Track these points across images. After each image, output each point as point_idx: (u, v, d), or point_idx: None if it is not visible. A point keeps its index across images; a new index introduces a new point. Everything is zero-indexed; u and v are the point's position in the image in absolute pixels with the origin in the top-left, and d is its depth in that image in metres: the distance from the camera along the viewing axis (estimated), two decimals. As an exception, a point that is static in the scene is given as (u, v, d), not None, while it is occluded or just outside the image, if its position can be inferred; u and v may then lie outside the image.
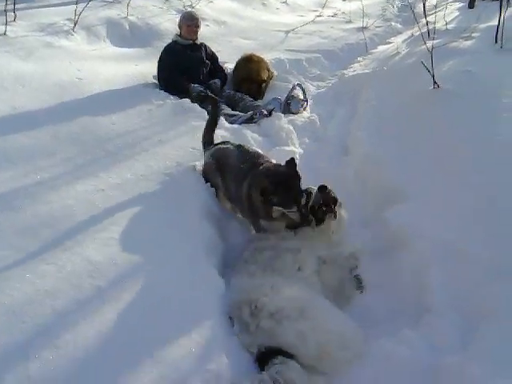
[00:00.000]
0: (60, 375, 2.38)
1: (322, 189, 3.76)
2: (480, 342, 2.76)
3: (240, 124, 5.73)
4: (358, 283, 3.57)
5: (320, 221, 3.77)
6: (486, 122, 4.44)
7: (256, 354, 2.87)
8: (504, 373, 2.53)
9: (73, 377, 2.40)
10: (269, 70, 7.25)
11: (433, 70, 5.12)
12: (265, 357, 2.82)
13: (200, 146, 4.58)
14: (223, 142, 4.40)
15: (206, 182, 4.24)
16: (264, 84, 7.06)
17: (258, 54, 7.33)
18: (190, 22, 6.78)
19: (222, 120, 5.55)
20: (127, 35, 8.09)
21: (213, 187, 4.20)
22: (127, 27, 8.21)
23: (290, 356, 2.79)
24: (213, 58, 7.04)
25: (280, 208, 3.66)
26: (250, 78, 6.92)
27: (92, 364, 2.47)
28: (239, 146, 4.20)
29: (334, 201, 3.79)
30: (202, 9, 9.57)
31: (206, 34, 8.06)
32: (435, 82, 5.16)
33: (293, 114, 6.31)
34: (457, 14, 9.76)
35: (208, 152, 4.33)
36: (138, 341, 2.64)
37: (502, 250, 3.24)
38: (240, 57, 7.27)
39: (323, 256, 3.61)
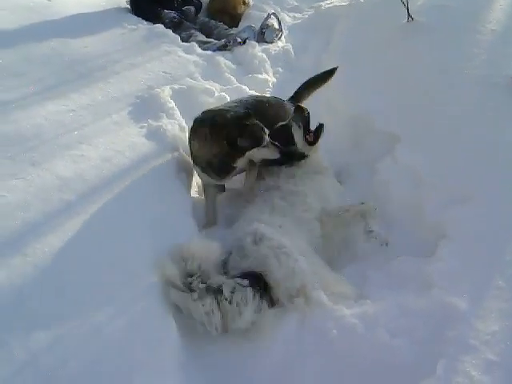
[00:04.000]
0: (26, 281, 2.46)
1: (298, 109, 3.77)
2: (437, 262, 2.94)
3: (213, 51, 5.70)
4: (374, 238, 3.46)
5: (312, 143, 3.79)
6: (456, 56, 4.50)
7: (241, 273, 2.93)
8: (459, 287, 2.71)
9: (38, 283, 2.47)
10: (245, 4, 7.17)
11: (408, 3, 5.10)
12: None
13: (171, 70, 4.60)
14: None
15: None
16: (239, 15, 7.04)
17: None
18: None
19: (195, 46, 5.53)
20: (100, -44, 7.81)
21: None
22: None
23: (266, 286, 2.88)
24: (188, -16, 6.88)
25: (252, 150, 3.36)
26: (226, 11, 6.88)
27: (58, 272, 2.55)
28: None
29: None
30: None
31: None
32: (409, 15, 5.16)
33: (267, 43, 6.28)
34: None
35: None
36: (104, 252, 2.74)
37: (457, 178, 3.40)
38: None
39: (328, 209, 3.57)
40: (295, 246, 3.09)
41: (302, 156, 3.78)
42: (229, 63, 5.46)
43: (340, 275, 3.20)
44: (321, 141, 3.84)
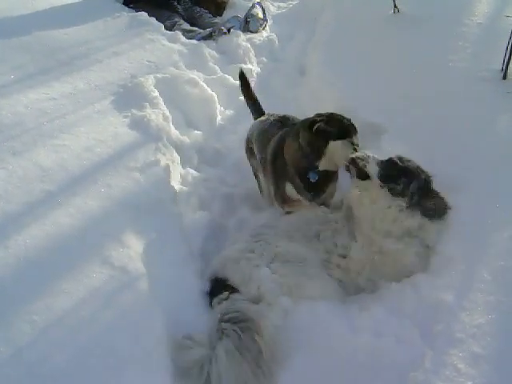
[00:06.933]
0: (9, 273, 2.42)
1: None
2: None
3: (198, 40, 5.65)
4: None
5: None
6: (441, 49, 4.48)
7: (207, 280, 2.96)
8: (445, 280, 2.70)
9: (22, 275, 2.44)
10: (229, -8, 7.13)
11: (394, -7, 5.09)
12: (214, 288, 2.89)
13: (154, 58, 4.60)
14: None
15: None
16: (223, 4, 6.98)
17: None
18: None
19: (179, 34, 5.48)
20: None
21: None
22: None
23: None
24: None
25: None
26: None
27: (41, 264, 2.52)
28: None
29: None
30: None
31: None
32: (396, 6, 5.14)
33: (251, 32, 6.24)
34: None
35: None
36: (88, 243, 2.69)
37: (442, 170, 3.36)
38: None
39: None
40: (270, 252, 2.99)
41: None
42: (213, 53, 5.43)
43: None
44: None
